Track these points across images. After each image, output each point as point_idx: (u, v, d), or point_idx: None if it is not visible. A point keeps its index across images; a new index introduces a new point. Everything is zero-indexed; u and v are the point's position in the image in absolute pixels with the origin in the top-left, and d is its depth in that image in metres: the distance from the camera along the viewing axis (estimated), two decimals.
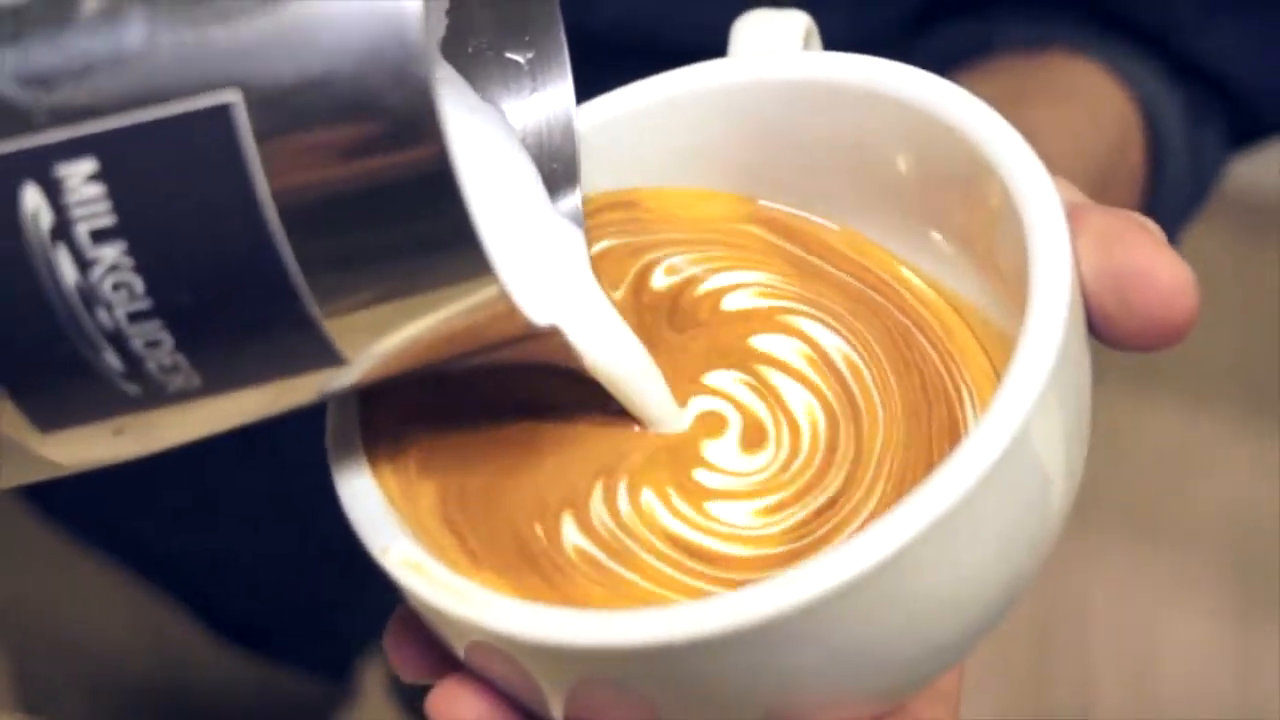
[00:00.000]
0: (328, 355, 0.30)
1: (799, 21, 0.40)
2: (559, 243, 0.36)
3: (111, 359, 0.29)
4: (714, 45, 0.40)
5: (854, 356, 0.38)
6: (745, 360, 0.37)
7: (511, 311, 0.30)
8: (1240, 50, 0.61)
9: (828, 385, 0.37)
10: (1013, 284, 0.34)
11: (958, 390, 0.36)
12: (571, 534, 0.35)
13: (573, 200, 0.37)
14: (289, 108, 0.27)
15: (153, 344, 0.29)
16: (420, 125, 0.27)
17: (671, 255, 0.39)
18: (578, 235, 0.37)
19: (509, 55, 0.37)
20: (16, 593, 0.82)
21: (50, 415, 0.30)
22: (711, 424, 0.36)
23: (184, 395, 0.30)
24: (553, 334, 0.33)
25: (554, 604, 0.33)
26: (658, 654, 0.30)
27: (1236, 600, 1.43)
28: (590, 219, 0.39)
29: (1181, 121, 0.61)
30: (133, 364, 0.29)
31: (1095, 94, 0.59)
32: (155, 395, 0.30)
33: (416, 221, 0.28)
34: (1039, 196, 0.33)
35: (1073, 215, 0.33)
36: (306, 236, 0.28)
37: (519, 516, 0.35)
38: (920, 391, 0.37)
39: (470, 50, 0.37)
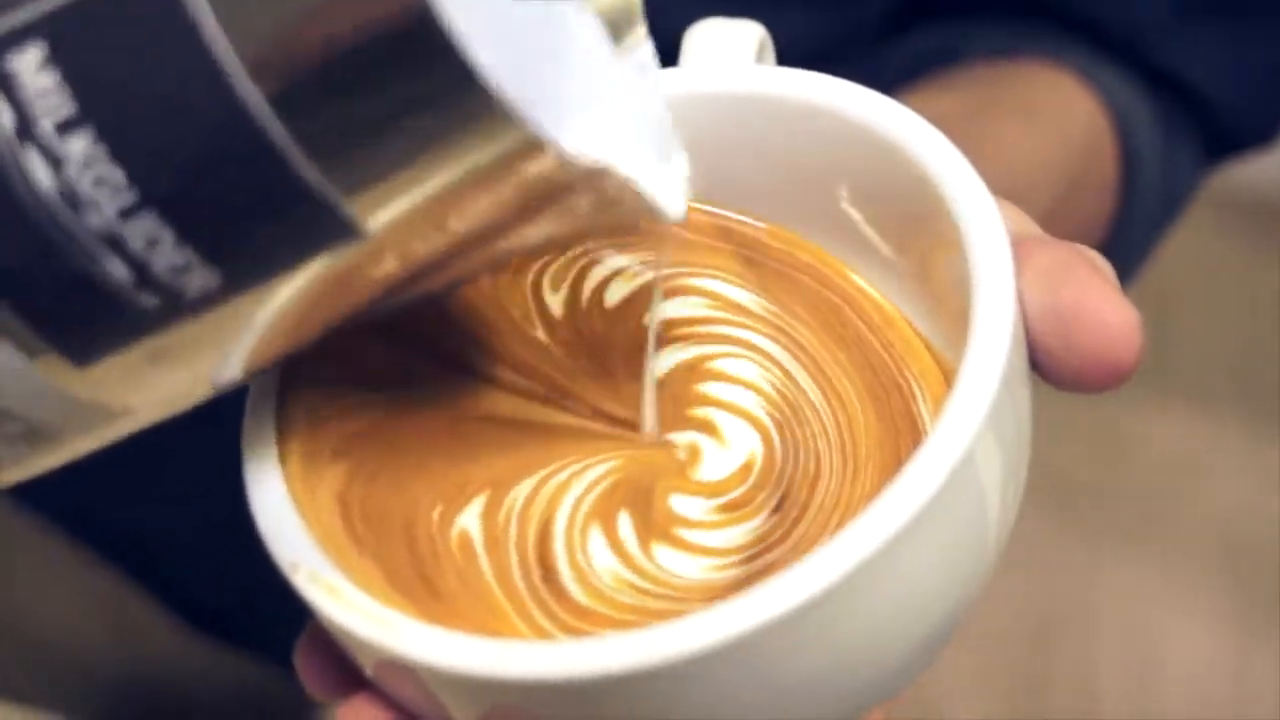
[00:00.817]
0: (342, 225, 0.27)
1: (752, 32, 0.39)
2: (627, 78, 0.32)
3: (115, 267, 0.27)
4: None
5: (772, 306, 0.37)
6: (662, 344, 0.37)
7: (536, 143, 0.27)
8: (1210, 62, 0.60)
9: (767, 342, 0.37)
10: (955, 317, 0.33)
11: (906, 381, 0.36)
12: (470, 515, 0.34)
13: (639, 37, 0.33)
14: None
15: (153, 242, 0.27)
16: None
17: (554, 261, 0.38)
18: (652, 68, 0.33)
19: None
20: None
21: (79, 346, 0.28)
22: (683, 459, 0.36)
23: (208, 299, 0.28)
24: (603, 174, 0.29)
25: (421, 597, 0.32)
26: (573, 688, 0.29)
27: (1240, 605, 1.42)
28: None
29: (1154, 132, 0.60)
30: (139, 269, 0.27)
31: (1064, 103, 0.59)
32: (177, 303, 0.28)
33: (405, 65, 0.25)
34: (985, 230, 0.32)
35: (1020, 248, 0.33)
36: (281, 94, 0.25)
37: (426, 499, 0.34)
38: (870, 371, 0.36)
39: None
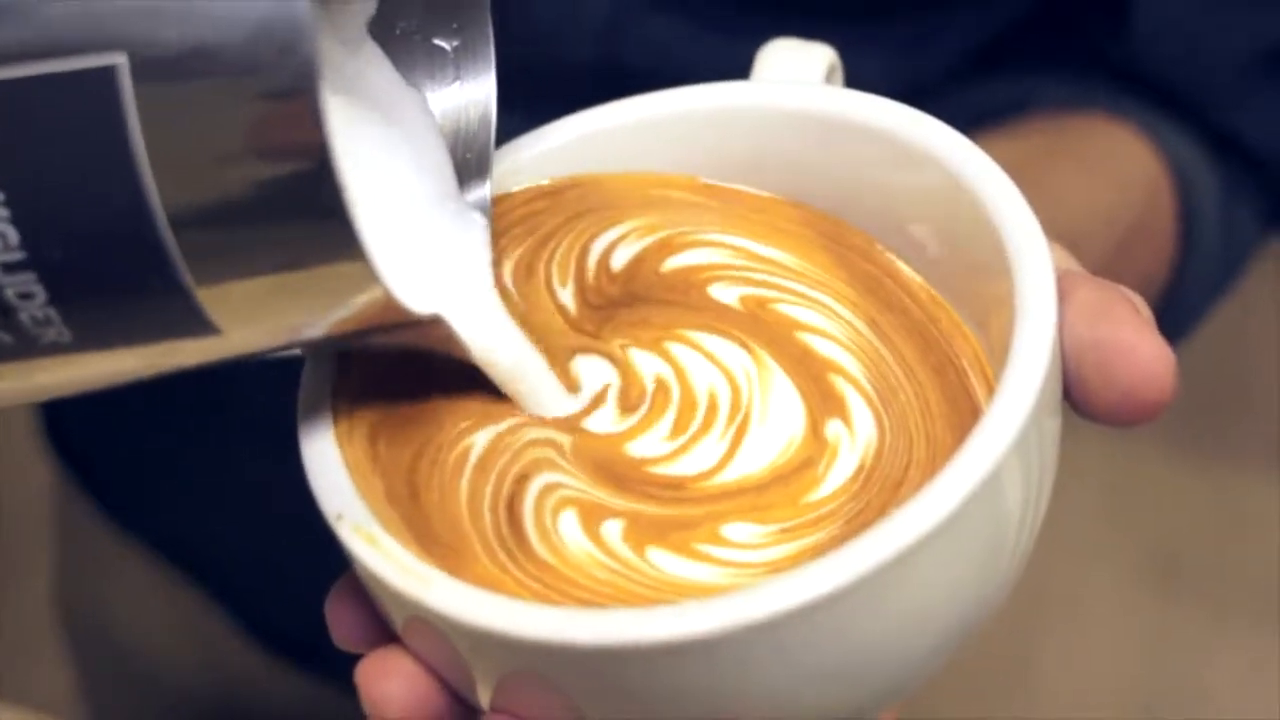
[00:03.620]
0: (201, 324, 0.30)
1: (823, 55, 0.40)
2: (458, 232, 0.36)
3: None
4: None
5: (808, 265, 0.37)
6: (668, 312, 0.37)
7: (387, 297, 0.31)
8: (1275, 125, 0.60)
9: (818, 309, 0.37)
10: (995, 343, 0.34)
11: (956, 358, 0.36)
12: (487, 432, 0.35)
13: (482, 190, 0.37)
14: (173, 75, 0.27)
15: (25, 296, 0.29)
16: (301, 106, 0.27)
17: (556, 250, 0.39)
18: (481, 224, 0.37)
19: (436, 41, 0.38)
20: (81, 598, 0.84)
21: None
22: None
23: (56, 349, 0.31)
24: (435, 323, 0.33)
25: (405, 505, 0.34)
26: (593, 655, 0.30)
27: None
28: (528, 205, 0.39)
29: (1216, 192, 0.60)
30: (5, 313, 0.30)
31: (1125, 157, 0.59)
32: (28, 346, 0.30)
33: (292, 200, 0.28)
34: (1033, 262, 0.33)
35: (1063, 282, 0.33)
36: (182, 205, 0.28)
37: (452, 419, 0.36)
38: (922, 341, 0.36)
39: (398, 32, 0.37)
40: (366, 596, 0.35)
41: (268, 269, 0.30)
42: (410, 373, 0.37)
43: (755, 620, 0.29)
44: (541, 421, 0.36)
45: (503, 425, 0.35)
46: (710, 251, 0.38)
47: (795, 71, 0.40)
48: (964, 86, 0.62)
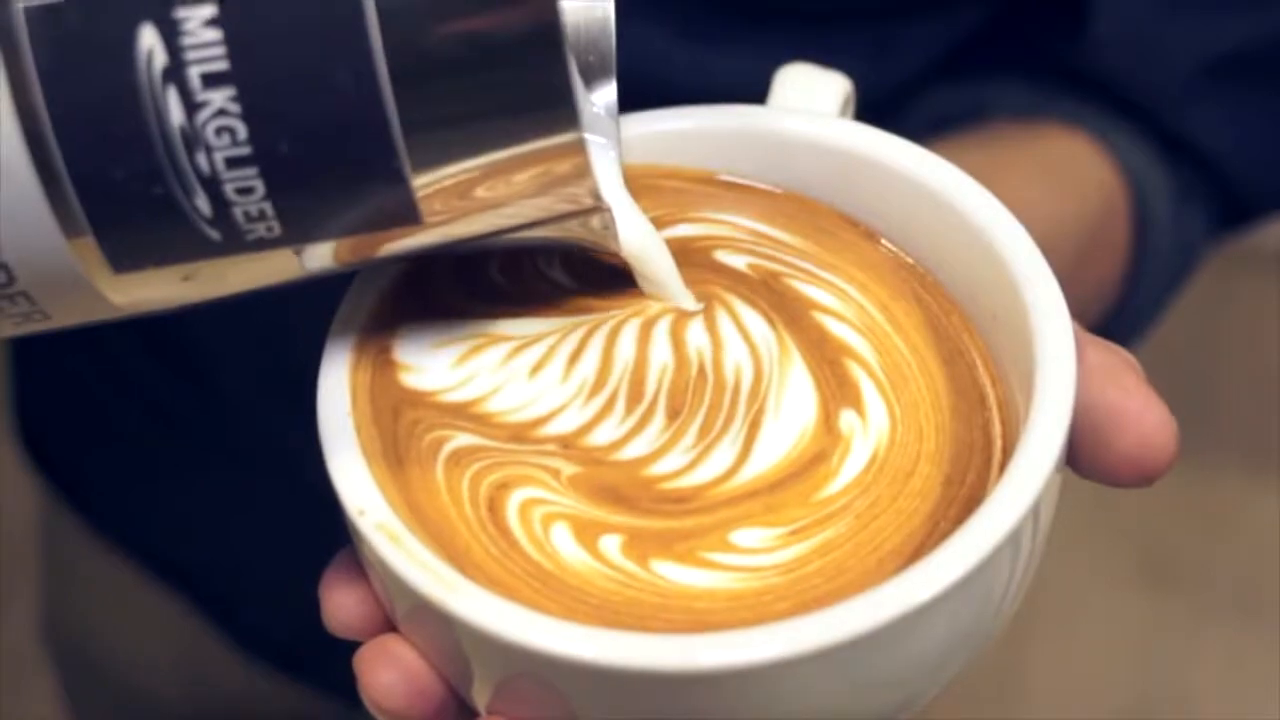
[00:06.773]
0: (409, 214, 0.30)
1: (840, 85, 0.41)
2: (597, 131, 0.37)
3: (201, 203, 0.29)
4: (726, 98, 0.41)
5: (811, 245, 0.37)
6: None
7: (586, 176, 0.31)
8: (1228, 130, 0.60)
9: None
10: (1003, 382, 0.35)
11: (966, 349, 0.36)
12: (469, 422, 0.35)
13: (607, 93, 0.38)
14: None
15: (244, 191, 0.29)
16: None
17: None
18: (610, 125, 0.37)
19: None
20: (65, 613, 0.84)
21: (128, 256, 0.30)
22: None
23: (260, 245, 0.30)
24: (604, 211, 0.33)
25: (393, 466, 0.34)
26: (620, 677, 0.30)
27: None
28: None
29: (1169, 198, 0.61)
30: (220, 209, 0.30)
31: (1081, 167, 0.59)
32: (233, 243, 0.30)
33: (525, 81, 0.29)
34: (1054, 322, 0.34)
35: None
36: (413, 94, 0.28)
37: (441, 398, 0.36)
38: (933, 331, 0.36)
39: None
40: (363, 582, 0.34)
41: (487, 150, 0.30)
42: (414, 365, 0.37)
43: (810, 650, 0.30)
44: (540, 438, 0.35)
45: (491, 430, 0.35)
46: (710, 226, 0.38)
47: (811, 99, 0.40)
48: (922, 92, 0.63)
